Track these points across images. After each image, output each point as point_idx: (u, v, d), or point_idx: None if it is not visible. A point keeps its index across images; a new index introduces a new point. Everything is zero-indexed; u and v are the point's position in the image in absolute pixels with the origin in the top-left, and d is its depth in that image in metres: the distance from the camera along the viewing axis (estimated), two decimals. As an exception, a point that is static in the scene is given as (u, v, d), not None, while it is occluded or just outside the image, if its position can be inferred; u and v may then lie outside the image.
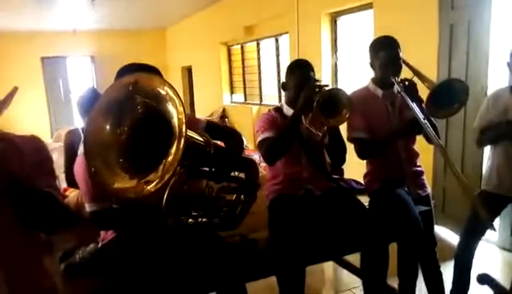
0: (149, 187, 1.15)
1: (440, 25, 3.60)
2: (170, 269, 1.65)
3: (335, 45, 5.30)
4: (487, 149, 2.38)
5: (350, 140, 2.20)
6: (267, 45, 7.01)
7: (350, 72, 5.09)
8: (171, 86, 1.16)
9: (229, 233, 1.93)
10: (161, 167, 1.14)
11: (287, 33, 6.06)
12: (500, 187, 2.19)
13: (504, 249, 3.20)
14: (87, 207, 1.64)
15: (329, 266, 3.07)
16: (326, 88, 1.88)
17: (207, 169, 1.51)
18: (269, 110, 2.20)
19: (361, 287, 2.08)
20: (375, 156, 2.15)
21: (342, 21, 5.21)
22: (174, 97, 1.15)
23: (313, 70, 2.07)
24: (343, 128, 2.10)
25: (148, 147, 1.23)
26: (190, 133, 1.37)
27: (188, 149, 1.35)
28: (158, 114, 1.18)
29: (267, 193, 2.18)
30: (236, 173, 1.88)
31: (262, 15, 6.48)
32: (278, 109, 2.18)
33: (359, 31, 4.81)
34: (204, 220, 1.72)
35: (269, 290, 2.04)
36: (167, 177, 1.12)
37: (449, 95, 1.90)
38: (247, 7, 6.97)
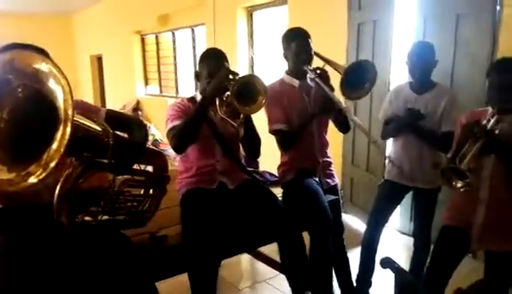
0: (30, 179, 0.99)
1: (349, 24, 3.79)
2: (66, 276, 1.47)
3: (252, 39, 5.32)
4: (390, 142, 2.54)
5: (271, 132, 2.22)
6: (183, 36, 6.82)
7: (267, 65, 5.15)
8: (55, 65, 1.01)
9: (137, 230, 1.81)
10: (45, 155, 0.99)
11: (203, 24, 5.95)
12: (400, 176, 2.33)
13: (404, 234, 3.47)
14: None
15: (245, 259, 3.06)
16: (239, 76, 1.82)
17: (105, 161, 1.36)
18: (182, 99, 2.10)
19: (277, 278, 2.09)
20: (295, 143, 2.17)
21: (258, 15, 5.24)
22: (59, 76, 1.00)
23: (227, 60, 2.01)
24: (259, 122, 2.08)
25: (30, 134, 1.06)
26: (84, 121, 1.22)
27: (83, 139, 1.21)
28: (40, 97, 1.02)
29: (179, 186, 2.08)
30: (143, 166, 1.75)
31: (178, 4, 6.28)
32: (192, 99, 2.09)
33: (275, 26, 4.87)
34: (105, 217, 1.57)
35: (180, 287, 1.95)
36: (51, 166, 0.97)
37: (359, 76, 1.98)
38: (161, -4, 6.72)
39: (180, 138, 1.87)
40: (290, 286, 1.95)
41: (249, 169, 2.34)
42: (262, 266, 2.80)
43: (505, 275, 1.77)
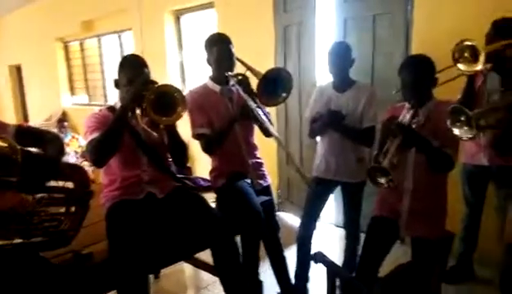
0: None
1: (275, 27, 3.86)
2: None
3: (180, 43, 5.25)
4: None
5: (194, 136, 2.20)
6: (110, 42, 6.56)
7: (198, 70, 5.09)
8: None
9: (58, 250, 1.69)
10: None
11: (130, 29, 5.77)
12: (327, 172, 2.41)
13: (339, 226, 3.60)
14: None
15: (188, 267, 3.00)
16: (157, 85, 1.77)
17: (14, 179, 1.25)
18: (100, 109, 2.00)
19: (217, 284, 2.07)
20: (219, 146, 2.16)
21: (187, 19, 5.17)
22: None
23: (147, 66, 1.95)
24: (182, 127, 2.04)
25: None
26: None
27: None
28: None
29: (103, 200, 1.98)
30: (62, 183, 1.65)
31: (102, 9, 6.03)
32: (111, 108, 2.00)
33: (204, 29, 4.84)
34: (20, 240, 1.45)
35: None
36: None
37: (277, 85, 2.02)
38: (84, 1, 6.40)
39: (99, 150, 1.78)
40: (225, 291, 1.94)
41: (180, 176, 2.29)
42: (205, 274, 2.76)
43: (429, 258, 1.89)
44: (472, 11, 2.61)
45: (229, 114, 2.16)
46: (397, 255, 2.17)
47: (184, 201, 1.98)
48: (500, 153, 1.59)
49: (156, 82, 1.77)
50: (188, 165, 2.70)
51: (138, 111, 1.80)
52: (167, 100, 1.72)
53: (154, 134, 1.98)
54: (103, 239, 1.86)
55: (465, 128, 1.61)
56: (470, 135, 1.60)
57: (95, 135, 1.81)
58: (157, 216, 1.93)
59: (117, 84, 1.97)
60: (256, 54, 3.66)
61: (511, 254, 1.76)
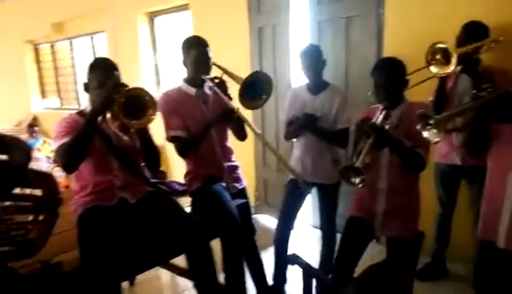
0: None
1: (250, 28, 3.86)
2: None
3: (155, 45, 5.19)
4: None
5: (168, 139, 2.17)
6: (82, 44, 6.41)
7: (173, 72, 5.04)
8: None
9: (26, 261, 1.63)
10: None
11: (103, 31, 5.66)
12: (303, 174, 2.41)
13: (316, 228, 3.62)
14: None
15: (165, 272, 2.95)
16: (128, 88, 1.73)
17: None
18: (70, 114, 1.95)
19: (193, 289, 2.04)
20: (194, 150, 2.13)
21: (161, 21, 5.12)
22: None
23: (117, 69, 1.91)
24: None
25: None
26: None
27: None
28: None
29: (74, 207, 1.92)
30: (30, 190, 1.59)
31: (74, 11, 5.89)
32: (81, 113, 1.95)
33: (180, 31, 4.80)
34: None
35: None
36: None
37: (256, 88, 2.01)
38: (55, 2, 6.23)
39: (68, 156, 1.73)
40: None
41: (154, 181, 2.26)
42: (181, 279, 2.72)
43: (401, 257, 1.92)
44: (443, 13, 2.67)
45: (204, 118, 2.14)
46: (373, 254, 2.19)
47: (157, 206, 1.94)
48: (473, 153, 1.63)
49: (127, 85, 1.74)
50: (163, 169, 2.66)
51: (109, 115, 1.76)
52: (137, 104, 1.69)
53: (126, 138, 1.94)
54: (73, 248, 1.80)
55: (434, 131, 1.65)
56: (438, 139, 1.64)
57: (64, 140, 1.76)
58: (129, 221, 1.88)
59: (87, 88, 1.92)
60: (231, 55, 3.65)
61: (484, 250, 1.81)
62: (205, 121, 2.10)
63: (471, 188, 2.47)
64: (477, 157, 1.63)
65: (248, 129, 2.12)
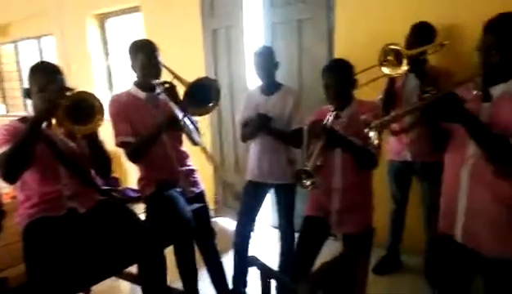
0: None
1: (204, 31, 3.83)
2: None
3: (106, 47, 5.03)
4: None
5: (118, 145, 2.10)
6: (29, 47, 6.11)
7: (126, 75, 4.90)
8: None
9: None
10: None
11: (51, 34, 5.42)
12: (260, 175, 2.44)
13: (276, 228, 3.64)
14: None
15: (122, 283, 2.85)
16: (73, 92, 1.66)
17: None
18: (10, 121, 1.84)
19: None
20: (145, 154, 2.08)
21: (113, 24, 4.97)
22: None
23: (61, 73, 1.82)
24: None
25: None
26: None
27: None
28: None
29: (19, 219, 1.81)
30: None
31: (19, 13, 5.60)
32: (24, 119, 1.85)
33: (132, 34, 4.68)
34: None
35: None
36: None
37: (203, 94, 1.98)
38: (-2, 3, 5.91)
39: (8, 165, 1.62)
40: None
41: (106, 188, 2.18)
42: (139, 288, 2.64)
43: (354, 252, 1.97)
44: (393, 16, 2.74)
45: (155, 122, 2.08)
46: (331, 251, 2.23)
47: (108, 215, 1.88)
48: (435, 150, 1.70)
49: (73, 89, 1.66)
50: (116, 176, 2.59)
51: (54, 121, 1.67)
52: (84, 108, 1.62)
53: (73, 144, 1.85)
54: (20, 262, 1.70)
55: (375, 133, 1.71)
56: (377, 141, 1.70)
57: (4, 148, 1.65)
58: (79, 233, 1.80)
59: (28, 93, 1.81)
60: (185, 58, 3.61)
61: (435, 244, 1.89)
62: (154, 125, 2.05)
63: (422, 184, 2.58)
64: (437, 153, 1.69)
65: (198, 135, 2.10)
